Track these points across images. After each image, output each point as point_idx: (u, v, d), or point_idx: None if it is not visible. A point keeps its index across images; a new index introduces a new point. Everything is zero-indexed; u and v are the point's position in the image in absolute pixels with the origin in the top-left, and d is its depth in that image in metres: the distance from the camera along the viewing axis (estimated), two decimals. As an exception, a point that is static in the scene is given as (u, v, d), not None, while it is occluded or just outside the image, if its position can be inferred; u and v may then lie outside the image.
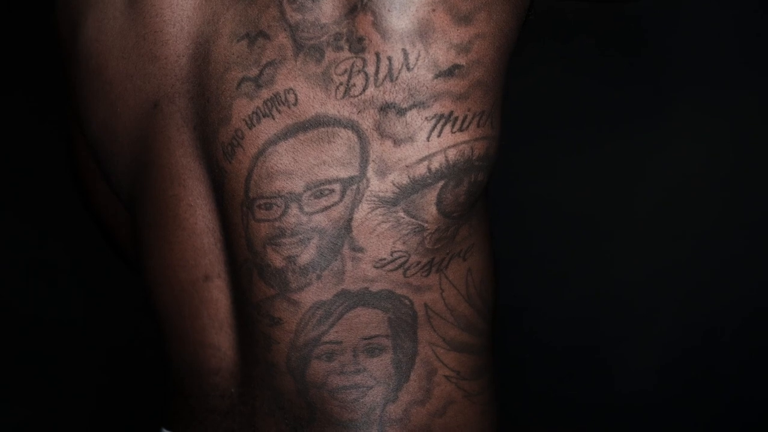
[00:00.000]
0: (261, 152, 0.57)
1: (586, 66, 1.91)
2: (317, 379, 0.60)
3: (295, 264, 0.58)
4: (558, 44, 1.86)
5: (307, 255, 0.58)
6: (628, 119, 1.90)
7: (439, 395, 0.61)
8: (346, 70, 0.55)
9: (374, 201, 0.57)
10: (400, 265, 0.58)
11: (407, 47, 0.54)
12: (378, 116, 0.55)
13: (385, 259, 0.58)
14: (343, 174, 0.56)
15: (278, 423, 0.62)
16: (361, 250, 0.58)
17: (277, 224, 0.58)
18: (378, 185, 0.56)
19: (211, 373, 0.65)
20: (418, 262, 0.59)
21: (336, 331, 0.59)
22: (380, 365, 0.60)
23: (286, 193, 0.57)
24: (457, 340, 0.62)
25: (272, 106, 0.57)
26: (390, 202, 0.57)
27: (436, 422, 0.61)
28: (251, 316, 0.61)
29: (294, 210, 0.57)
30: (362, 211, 0.57)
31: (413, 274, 0.59)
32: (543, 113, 1.88)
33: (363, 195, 0.57)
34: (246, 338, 0.63)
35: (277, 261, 0.59)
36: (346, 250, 0.58)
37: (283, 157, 0.57)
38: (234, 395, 0.64)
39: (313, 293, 0.59)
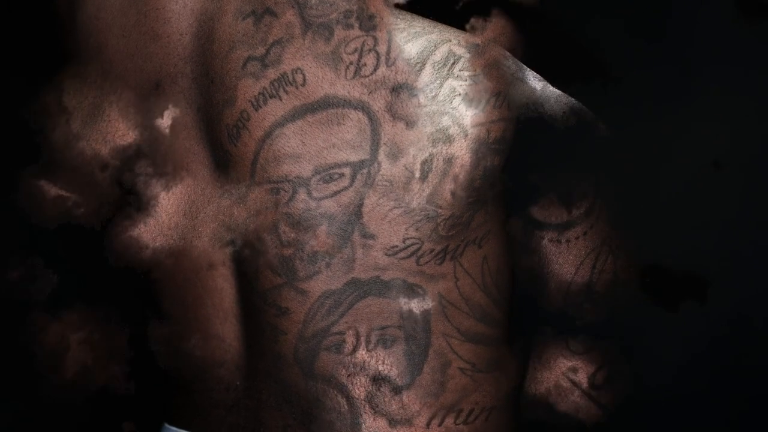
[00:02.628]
0: (267, 135, 0.56)
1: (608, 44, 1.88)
2: (326, 372, 0.59)
3: (303, 251, 0.57)
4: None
5: (315, 242, 0.56)
6: (652, 100, 1.87)
7: (454, 388, 0.60)
8: (356, 49, 0.54)
9: (386, 186, 0.55)
10: (413, 253, 0.57)
11: None
12: (390, 97, 0.54)
13: (397, 246, 0.56)
14: (353, 157, 0.55)
15: (285, 417, 0.61)
16: (372, 237, 0.56)
17: (284, 210, 0.56)
18: (390, 169, 0.55)
19: (215, 366, 0.63)
20: (432, 250, 0.57)
21: (346, 322, 0.58)
22: (392, 357, 0.58)
23: (294, 177, 0.56)
24: (472, 331, 0.60)
25: (279, 87, 0.55)
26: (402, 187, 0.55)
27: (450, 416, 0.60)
28: (257, 305, 0.60)
29: (302, 195, 0.56)
30: (373, 197, 0.55)
31: (426, 262, 0.57)
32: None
33: (374, 179, 0.55)
34: (252, 329, 0.61)
35: (285, 248, 0.57)
36: (356, 237, 0.56)
37: (290, 139, 0.56)
38: (239, 388, 0.63)
39: (322, 282, 0.57)
